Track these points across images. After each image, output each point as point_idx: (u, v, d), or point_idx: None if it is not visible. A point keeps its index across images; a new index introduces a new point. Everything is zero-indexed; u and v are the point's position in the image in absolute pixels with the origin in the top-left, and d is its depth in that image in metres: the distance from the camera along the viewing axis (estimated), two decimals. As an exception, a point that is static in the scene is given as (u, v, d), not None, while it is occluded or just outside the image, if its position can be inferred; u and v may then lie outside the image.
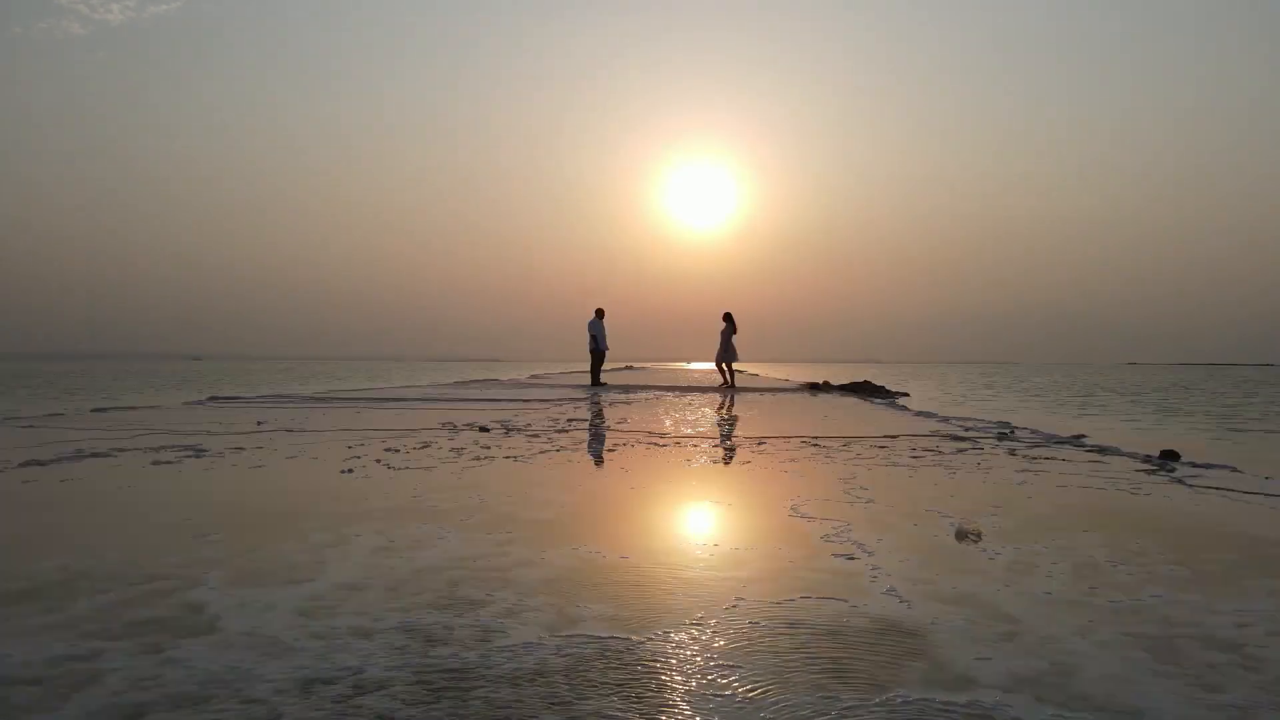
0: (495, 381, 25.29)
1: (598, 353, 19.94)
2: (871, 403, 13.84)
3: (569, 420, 8.83)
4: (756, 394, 16.69)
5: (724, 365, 19.60)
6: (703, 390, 17.90)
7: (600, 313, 20.06)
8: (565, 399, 13.66)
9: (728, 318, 19.45)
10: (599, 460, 5.59)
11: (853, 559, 2.80)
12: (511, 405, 11.83)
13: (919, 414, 10.73)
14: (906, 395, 17.71)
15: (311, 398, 13.83)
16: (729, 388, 19.29)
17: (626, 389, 18.16)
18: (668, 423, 8.87)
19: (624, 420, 9.18)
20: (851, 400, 14.55)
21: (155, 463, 5.22)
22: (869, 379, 23.19)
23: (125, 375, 45.27)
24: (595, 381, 19.90)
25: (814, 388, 19.50)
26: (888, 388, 18.95)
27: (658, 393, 16.69)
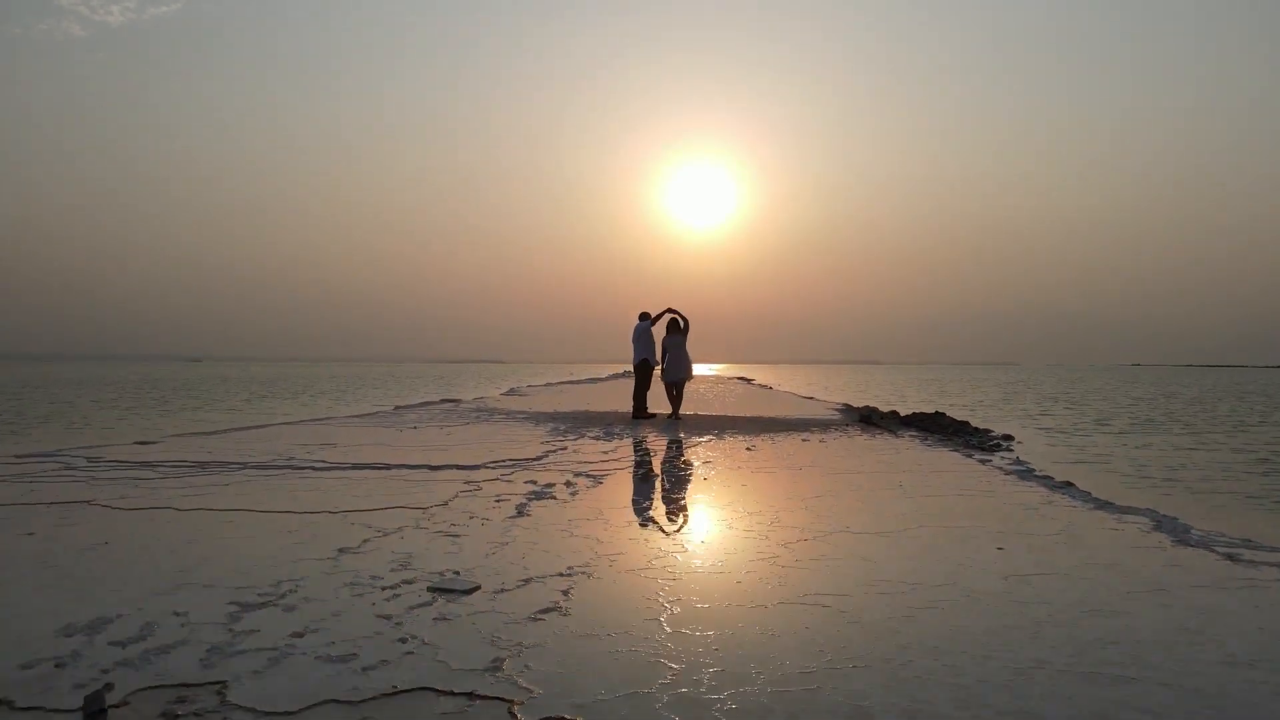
0: (454, 404, 20.19)
1: (642, 369, 14.60)
2: (988, 467, 8.71)
3: (419, 585, 3.68)
4: (794, 436, 11.55)
5: (675, 388, 14.52)
6: (721, 430, 12.72)
7: (646, 317, 14.75)
8: (496, 468, 8.51)
9: (683, 324, 14.44)
10: None
11: None
12: (390, 480, 6.70)
13: (1124, 514, 5.56)
14: (1011, 440, 12.48)
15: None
16: (674, 418, 14.22)
17: (610, 429, 12.97)
18: (658, 539, 3.73)
19: (567, 532, 4.01)
20: (950, 456, 9.39)
21: None
22: (937, 408, 17.96)
23: (84, 384, 40.14)
24: (638, 411, 14.59)
25: (865, 420, 14.34)
26: (971, 423, 13.74)
27: (648, 432, 11.55)
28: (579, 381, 44.15)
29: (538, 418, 14.90)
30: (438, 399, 22.83)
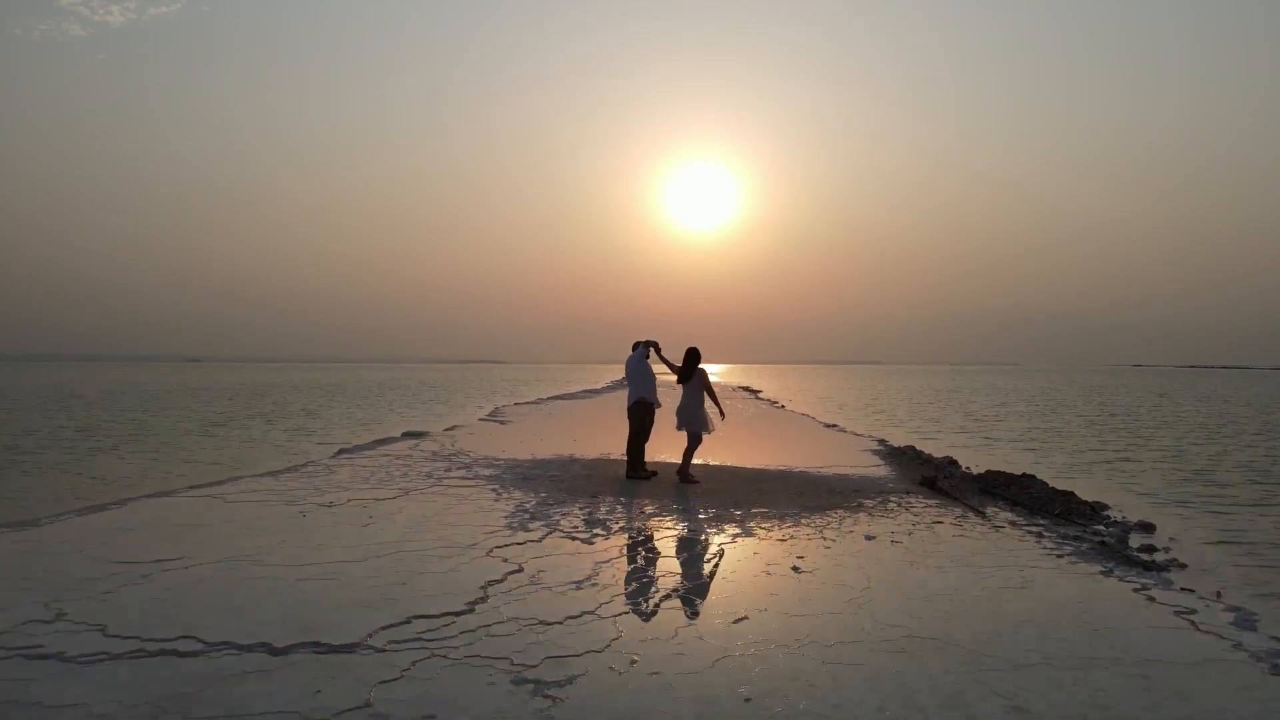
0: (414, 443, 17.00)
1: (638, 413, 11.23)
2: (1210, 635, 5.41)
3: None
4: (846, 520, 8.27)
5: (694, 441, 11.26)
6: (744, 507, 9.39)
7: (643, 347, 11.50)
8: (385, 648, 5.23)
9: (695, 356, 11.26)
10: None
11: None
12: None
13: None
14: (1153, 530, 9.09)
15: None
16: (685, 482, 11.03)
17: (594, 509, 9.66)
18: None
19: None
20: (1110, 589, 6.11)
21: None
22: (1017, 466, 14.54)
23: (46, 396, 36.83)
24: (633, 468, 11.33)
25: (930, 485, 11.05)
26: (1078, 496, 10.34)
27: (646, 513, 8.21)
28: (572, 396, 40.86)
29: (504, 476, 11.59)
30: (399, 433, 19.51)
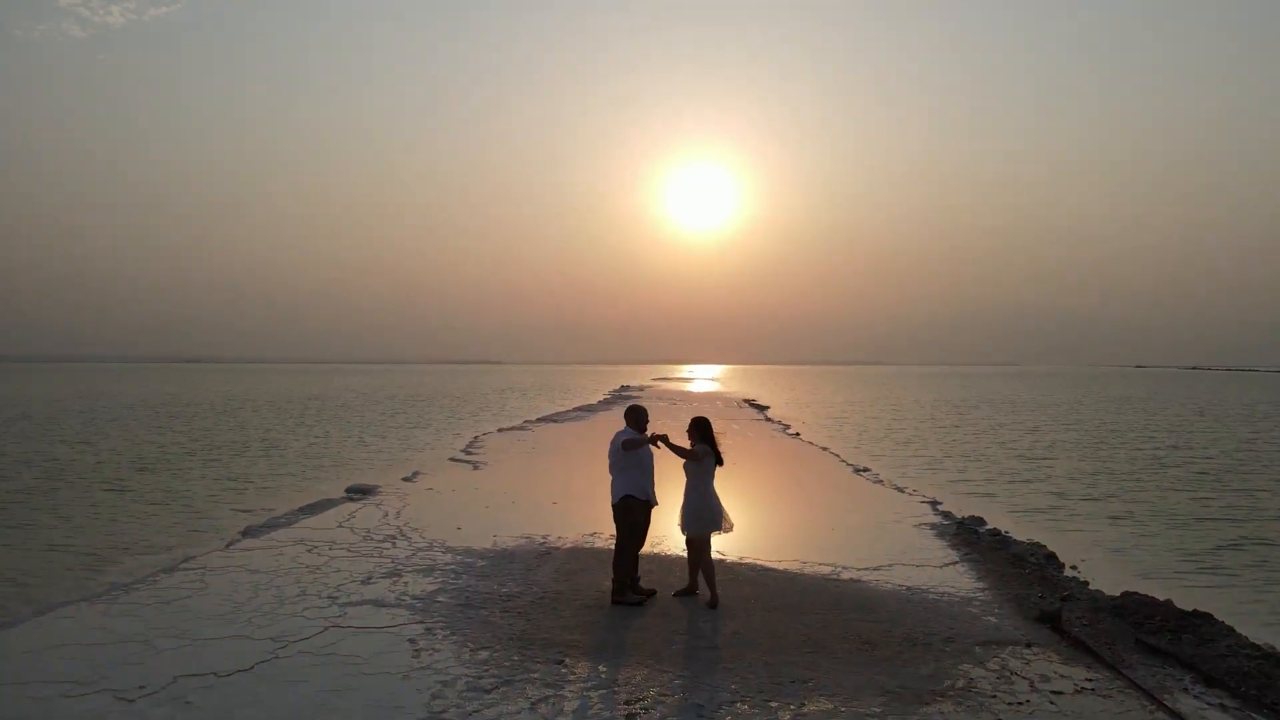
0: (353, 510, 13.68)
1: (627, 513, 7.95)
2: None
3: None
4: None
5: (707, 539, 8.01)
6: (794, 695, 5.99)
7: (637, 417, 8.28)
8: None
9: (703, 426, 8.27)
10: None
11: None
12: None
13: None
14: None
15: None
16: (709, 604, 7.92)
17: (559, 686, 6.21)
18: None
19: None
20: None
21: None
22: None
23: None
24: (621, 590, 7.95)
25: (1053, 621, 7.65)
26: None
27: (641, 685, 4.86)
28: (564, 417, 37.44)
29: (439, 597, 8.17)
30: (343, 489, 16.09)
